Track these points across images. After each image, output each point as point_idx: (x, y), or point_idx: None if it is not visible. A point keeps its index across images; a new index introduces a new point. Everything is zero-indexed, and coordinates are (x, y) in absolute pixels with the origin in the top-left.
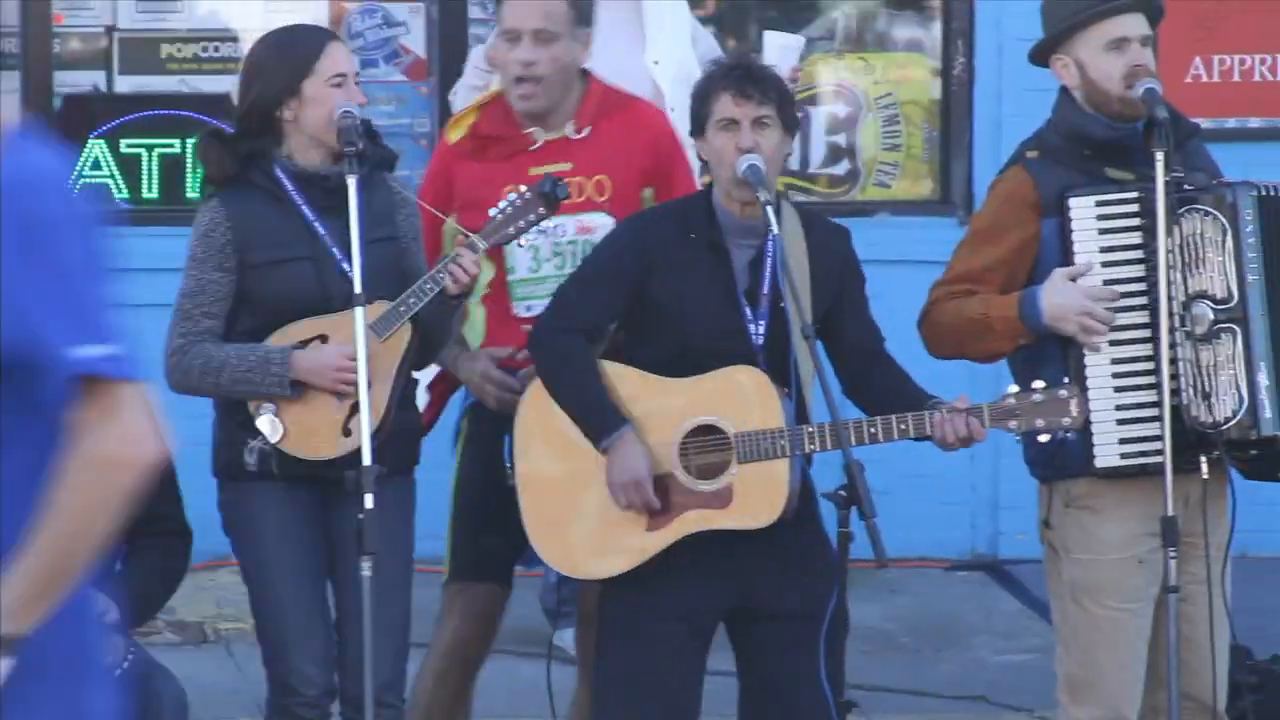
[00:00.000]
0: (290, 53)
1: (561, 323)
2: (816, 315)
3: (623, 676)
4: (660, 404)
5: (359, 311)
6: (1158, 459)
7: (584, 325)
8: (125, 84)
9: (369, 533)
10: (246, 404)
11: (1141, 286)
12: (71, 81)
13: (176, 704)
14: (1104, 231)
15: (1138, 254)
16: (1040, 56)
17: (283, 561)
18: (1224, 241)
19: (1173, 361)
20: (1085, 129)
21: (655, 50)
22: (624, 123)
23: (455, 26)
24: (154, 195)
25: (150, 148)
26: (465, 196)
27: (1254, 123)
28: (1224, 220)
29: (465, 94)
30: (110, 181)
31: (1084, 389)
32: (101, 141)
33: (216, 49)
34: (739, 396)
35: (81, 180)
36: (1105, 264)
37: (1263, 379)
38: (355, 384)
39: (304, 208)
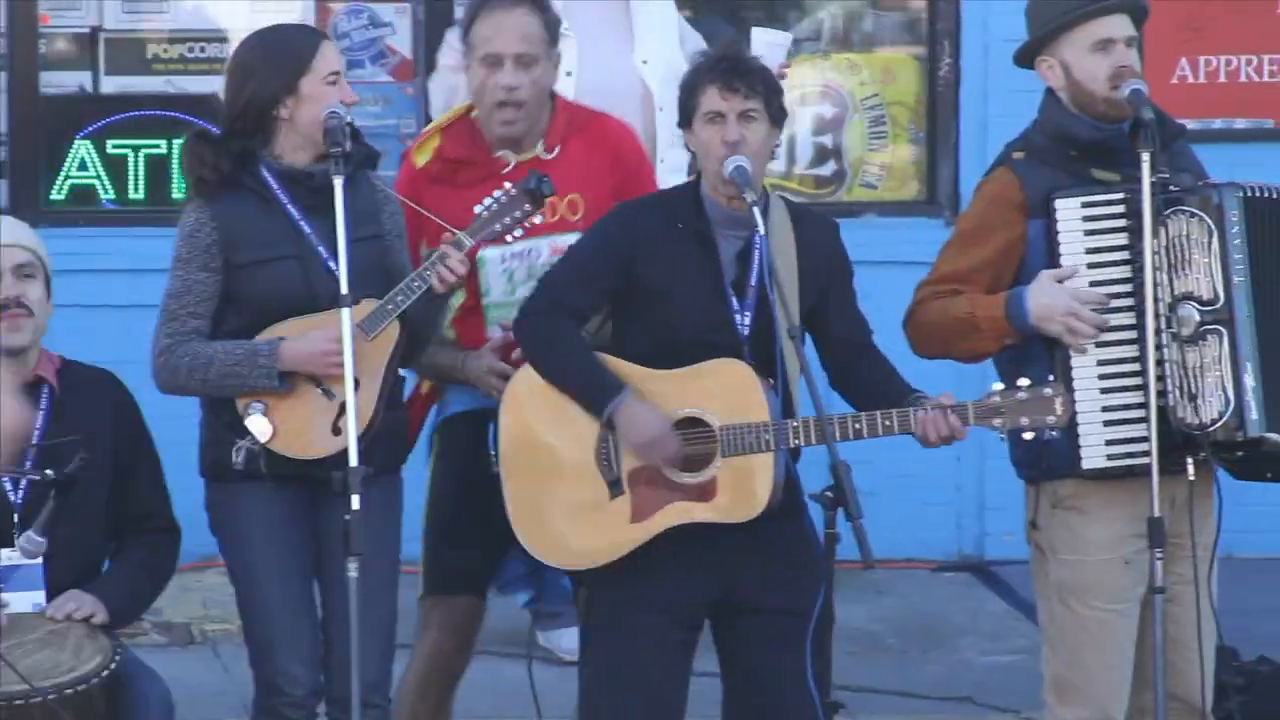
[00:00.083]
0: (284, 51)
1: (548, 305)
2: (804, 308)
3: (605, 669)
4: (646, 395)
5: (345, 312)
6: (1144, 460)
7: (570, 307)
8: (111, 84)
9: (355, 534)
10: (234, 403)
11: (1128, 288)
12: (57, 82)
13: (162, 705)
14: (1090, 233)
15: (1124, 255)
16: (1026, 58)
17: (269, 562)
18: (1210, 243)
19: (1159, 363)
20: (1071, 130)
21: (644, 50)
22: (588, 140)
23: (441, 27)
24: (140, 196)
25: (136, 148)
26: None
27: (1240, 124)
28: (1210, 221)
29: (444, 75)
30: (96, 182)
31: (1070, 389)
32: (88, 142)
33: (202, 49)
34: (725, 390)
35: (68, 181)
36: (1091, 265)
37: (1249, 380)
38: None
39: (289, 207)
